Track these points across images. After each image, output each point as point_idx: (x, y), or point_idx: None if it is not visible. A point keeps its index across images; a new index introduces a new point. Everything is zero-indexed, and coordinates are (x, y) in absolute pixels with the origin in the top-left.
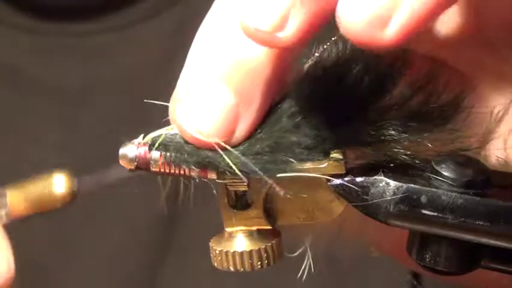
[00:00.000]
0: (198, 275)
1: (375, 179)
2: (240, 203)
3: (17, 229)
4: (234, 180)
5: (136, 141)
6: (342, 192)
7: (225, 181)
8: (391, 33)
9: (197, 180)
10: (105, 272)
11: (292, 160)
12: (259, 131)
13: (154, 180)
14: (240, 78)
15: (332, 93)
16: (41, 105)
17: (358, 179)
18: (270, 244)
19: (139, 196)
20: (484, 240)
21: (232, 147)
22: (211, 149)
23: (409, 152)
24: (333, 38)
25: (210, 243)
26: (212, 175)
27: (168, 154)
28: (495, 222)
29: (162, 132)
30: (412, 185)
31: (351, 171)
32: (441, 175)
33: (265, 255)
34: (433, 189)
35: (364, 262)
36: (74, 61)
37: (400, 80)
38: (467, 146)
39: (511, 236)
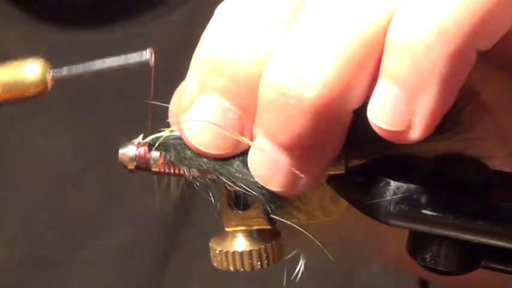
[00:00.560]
0: (205, 275)
1: (375, 178)
2: (240, 203)
3: (26, 224)
4: None
5: (136, 141)
6: (342, 192)
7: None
8: (417, 133)
9: (198, 181)
10: (112, 270)
11: None
12: None
13: (161, 180)
14: (240, 92)
15: None
16: (50, 100)
17: (358, 179)
18: (270, 244)
19: (147, 196)
20: (484, 240)
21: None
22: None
23: (409, 152)
24: None
25: (210, 243)
26: (212, 176)
27: (168, 155)
28: (495, 222)
29: (165, 132)
30: (412, 185)
31: (351, 171)
32: (441, 175)
33: (265, 255)
34: (433, 189)
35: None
36: (81, 57)
37: None
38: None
39: (511, 236)
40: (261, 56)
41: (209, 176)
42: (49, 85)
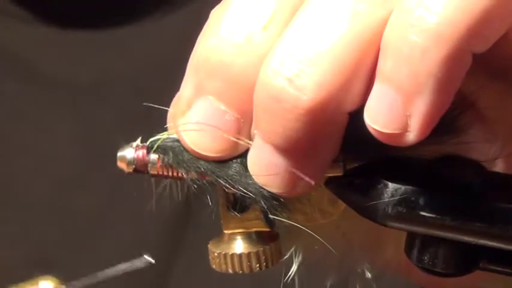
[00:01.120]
0: (209, 276)
1: (373, 180)
2: (239, 205)
3: (28, 225)
4: None
5: (134, 143)
6: (341, 194)
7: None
8: (413, 136)
9: (196, 183)
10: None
11: None
12: None
13: (164, 181)
14: (236, 94)
15: None
16: (53, 98)
17: (357, 181)
18: (268, 246)
19: (150, 196)
20: (482, 241)
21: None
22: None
23: (407, 154)
24: None
25: (208, 245)
26: (210, 178)
27: (166, 157)
28: (493, 223)
29: (163, 135)
30: (410, 187)
31: (349, 173)
32: (439, 176)
33: (264, 257)
34: (431, 191)
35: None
36: (87, 54)
37: None
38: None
39: (509, 237)
40: (255, 58)
41: (207, 179)
42: None
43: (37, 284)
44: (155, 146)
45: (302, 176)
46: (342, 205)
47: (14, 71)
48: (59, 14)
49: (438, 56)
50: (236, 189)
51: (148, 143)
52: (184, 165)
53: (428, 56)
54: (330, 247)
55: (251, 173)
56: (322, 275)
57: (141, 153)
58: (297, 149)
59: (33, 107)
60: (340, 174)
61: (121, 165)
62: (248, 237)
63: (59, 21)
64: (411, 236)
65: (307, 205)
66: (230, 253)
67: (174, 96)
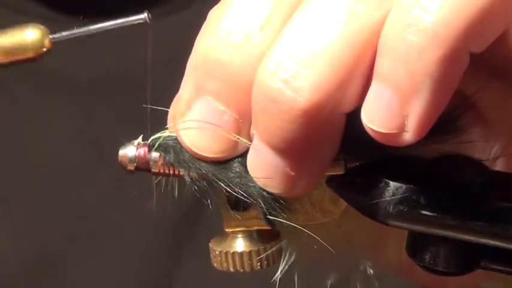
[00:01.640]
0: (214, 275)
1: (374, 179)
2: (240, 203)
3: (31, 223)
4: None
5: (135, 141)
6: (342, 192)
7: None
8: (410, 136)
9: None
10: (120, 270)
11: None
12: None
13: (171, 180)
14: (234, 95)
15: None
16: (56, 96)
17: (358, 180)
18: (269, 245)
19: (156, 195)
20: (484, 240)
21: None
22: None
23: (409, 153)
24: None
25: (210, 244)
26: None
27: (167, 156)
28: (494, 222)
29: (164, 133)
30: (412, 186)
31: (350, 172)
32: (441, 175)
33: (265, 255)
34: (432, 190)
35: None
36: (90, 52)
37: None
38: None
39: (510, 236)
40: (253, 58)
41: (207, 179)
42: (48, 47)
43: (24, 31)
44: (156, 144)
45: (300, 178)
46: (343, 204)
47: (15, 68)
48: (61, 10)
49: (435, 56)
50: (236, 192)
51: (149, 141)
52: (185, 164)
53: (425, 56)
54: (331, 246)
55: (250, 173)
56: (323, 274)
57: (143, 151)
58: (295, 150)
59: (35, 104)
60: (341, 172)
61: (122, 163)
62: (249, 235)
63: (61, 18)
64: (412, 235)
65: (308, 204)
66: (231, 251)
67: (176, 95)
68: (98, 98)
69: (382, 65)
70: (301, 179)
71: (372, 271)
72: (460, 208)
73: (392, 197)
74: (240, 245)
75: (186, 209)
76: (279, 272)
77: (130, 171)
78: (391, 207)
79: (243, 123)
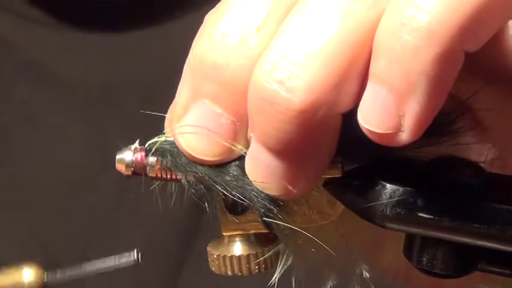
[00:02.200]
0: (218, 278)
1: (372, 182)
2: (237, 207)
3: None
4: None
5: (132, 146)
6: (339, 195)
7: None
8: (407, 136)
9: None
10: (124, 274)
11: None
12: None
13: (175, 186)
14: (230, 97)
15: None
16: (64, 101)
17: (355, 182)
18: (267, 248)
19: (160, 200)
20: (481, 242)
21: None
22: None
23: (406, 155)
24: None
25: (207, 248)
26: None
27: (164, 160)
28: (492, 224)
29: (160, 138)
30: (409, 188)
31: (347, 174)
32: (438, 178)
33: (263, 259)
34: (429, 192)
35: None
36: (98, 58)
37: None
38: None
39: (507, 238)
40: (249, 61)
41: (204, 183)
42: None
43: (21, 271)
44: (153, 148)
45: (297, 180)
46: (341, 206)
47: (26, 74)
48: (71, 17)
49: (430, 55)
50: (232, 195)
51: (146, 145)
52: (182, 168)
53: (420, 55)
54: (329, 249)
55: (248, 176)
56: (321, 277)
57: (140, 155)
58: (292, 151)
59: (44, 109)
60: (338, 175)
61: (119, 167)
62: (247, 239)
63: (72, 25)
64: (410, 238)
65: (305, 207)
66: (229, 255)
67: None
68: (106, 104)
69: (377, 65)
70: (298, 181)
71: (368, 275)
72: (457, 210)
73: (390, 200)
74: (237, 248)
75: (189, 212)
76: (276, 275)
77: (127, 175)
78: (388, 210)
79: (240, 126)
